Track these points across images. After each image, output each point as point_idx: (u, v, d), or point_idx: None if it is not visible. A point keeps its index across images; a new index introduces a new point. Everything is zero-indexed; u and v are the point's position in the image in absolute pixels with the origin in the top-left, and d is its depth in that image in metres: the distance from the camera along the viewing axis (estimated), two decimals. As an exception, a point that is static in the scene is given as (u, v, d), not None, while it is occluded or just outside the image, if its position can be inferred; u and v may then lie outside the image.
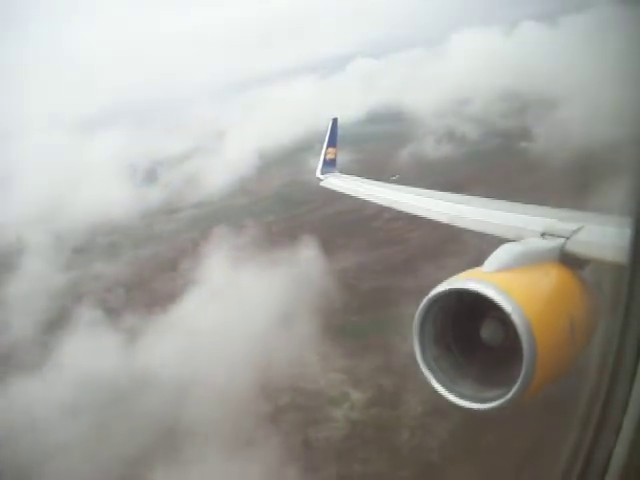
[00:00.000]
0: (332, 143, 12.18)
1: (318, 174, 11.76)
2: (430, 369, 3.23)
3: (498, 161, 45.51)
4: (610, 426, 2.31)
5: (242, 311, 26.55)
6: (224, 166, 58.45)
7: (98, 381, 23.58)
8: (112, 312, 31.18)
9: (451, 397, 3.15)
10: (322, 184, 11.32)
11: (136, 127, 79.64)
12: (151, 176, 62.66)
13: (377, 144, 60.02)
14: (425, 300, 3.19)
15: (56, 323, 30.54)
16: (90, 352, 25.91)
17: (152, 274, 36.96)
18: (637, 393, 2.25)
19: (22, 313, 31.92)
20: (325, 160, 11.91)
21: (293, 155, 58.37)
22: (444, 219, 6.19)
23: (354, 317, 27.46)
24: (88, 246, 45.54)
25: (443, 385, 3.20)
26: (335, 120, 12.59)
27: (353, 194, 9.68)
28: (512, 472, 20.47)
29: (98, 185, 58.00)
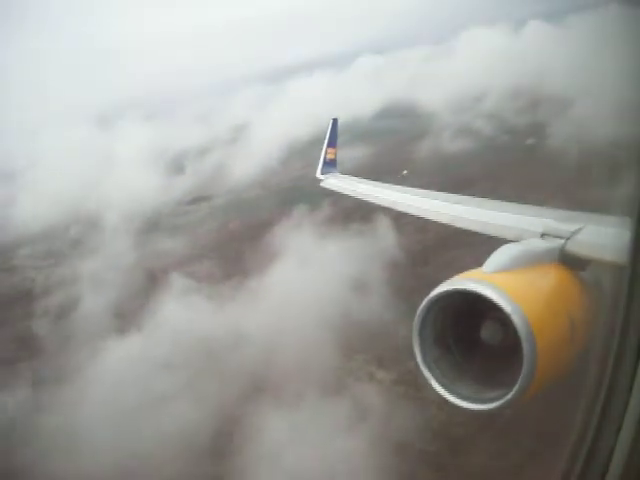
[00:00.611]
0: (332, 143, 12.14)
1: (318, 174, 11.74)
2: (430, 370, 3.22)
3: (510, 157, 45.31)
4: (610, 426, 2.31)
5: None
6: (246, 158, 58.60)
7: (193, 340, 26.41)
8: (201, 280, 34.32)
9: (451, 398, 3.15)
10: (322, 184, 11.33)
11: (160, 120, 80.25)
12: (178, 167, 63.48)
13: (392, 138, 60.28)
14: (425, 301, 3.20)
15: (151, 291, 33.08)
16: (185, 316, 28.55)
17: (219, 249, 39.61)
18: (637, 393, 2.25)
19: (118, 284, 34.99)
20: (325, 160, 11.88)
21: (313, 148, 58.53)
22: (444, 219, 6.20)
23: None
24: (147, 228, 47.62)
25: (443, 386, 3.20)
26: (335, 120, 12.55)
27: (353, 194, 9.70)
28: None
29: (128, 175, 58.79)
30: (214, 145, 68.49)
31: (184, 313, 28.82)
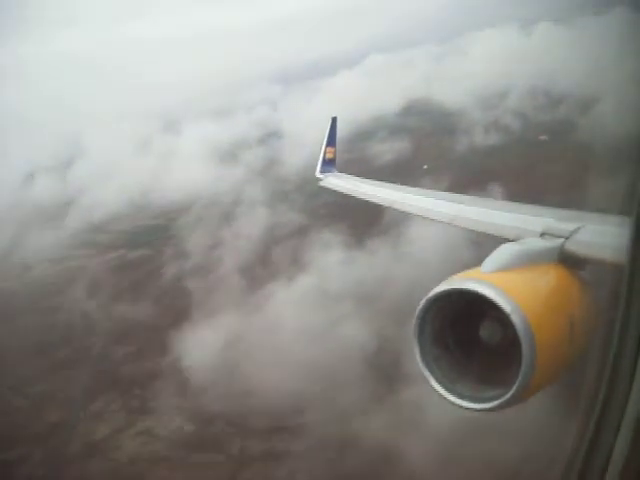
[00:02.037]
0: (331, 142, 12.16)
1: (317, 174, 11.73)
2: (429, 369, 3.25)
3: (529, 152, 48.65)
4: (609, 426, 2.33)
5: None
6: (293, 151, 60.91)
7: (349, 280, 33.20)
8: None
9: (450, 397, 3.18)
10: (321, 184, 11.34)
11: (215, 115, 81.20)
12: (234, 159, 66.28)
13: (421, 134, 63.34)
14: (424, 300, 3.22)
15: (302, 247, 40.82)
16: (338, 262, 35.97)
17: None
18: (636, 393, 2.27)
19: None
20: (324, 159, 11.88)
21: (355, 142, 61.71)
22: (444, 219, 6.25)
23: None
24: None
25: (442, 385, 3.22)
26: (334, 119, 12.56)
27: (352, 194, 9.76)
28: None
29: (189, 167, 62.46)
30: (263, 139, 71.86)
31: (338, 260, 36.17)
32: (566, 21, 78.37)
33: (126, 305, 39.97)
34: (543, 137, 52.44)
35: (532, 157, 46.65)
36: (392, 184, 8.94)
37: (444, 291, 3.17)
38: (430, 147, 58.53)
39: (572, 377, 3.23)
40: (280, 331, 31.69)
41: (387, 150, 59.45)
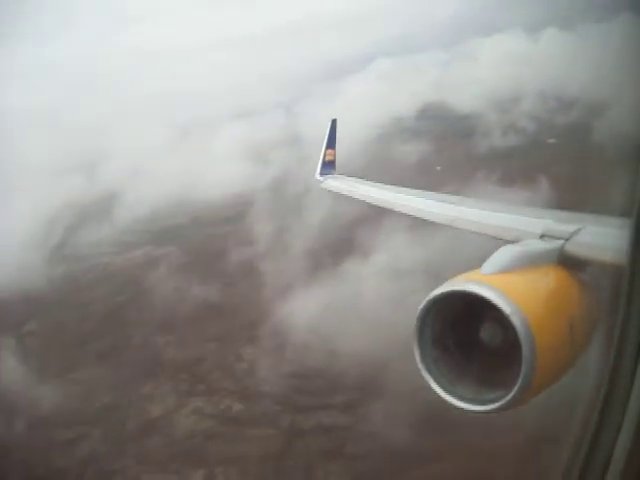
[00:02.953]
0: (331, 144, 12.13)
1: (317, 176, 11.74)
2: (429, 371, 3.28)
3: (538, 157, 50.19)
4: (610, 426, 2.34)
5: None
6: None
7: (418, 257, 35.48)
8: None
9: (450, 399, 3.20)
10: (321, 186, 11.34)
11: (239, 117, 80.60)
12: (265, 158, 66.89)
13: (441, 137, 64.92)
14: (424, 302, 3.25)
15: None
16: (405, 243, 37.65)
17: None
18: (637, 394, 2.28)
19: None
20: (324, 162, 11.84)
21: (373, 146, 64.10)
22: (443, 221, 6.26)
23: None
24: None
25: (442, 387, 3.25)
26: (334, 121, 12.55)
27: (352, 195, 9.80)
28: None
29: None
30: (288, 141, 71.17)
31: (405, 242, 37.64)
32: (571, 28, 78.33)
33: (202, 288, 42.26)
34: (551, 140, 55.07)
35: (543, 159, 48.28)
36: (391, 186, 8.87)
37: (444, 293, 3.19)
38: (449, 149, 60.17)
39: (572, 378, 3.24)
40: (359, 303, 33.49)
41: (410, 151, 60.72)
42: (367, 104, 73.37)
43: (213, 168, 62.95)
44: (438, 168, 55.43)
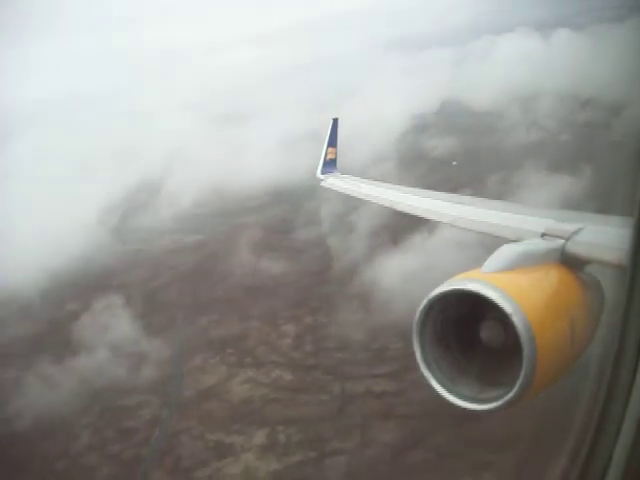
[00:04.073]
0: (332, 143, 12.12)
1: (318, 174, 11.72)
2: (430, 369, 3.27)
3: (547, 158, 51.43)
4: (610, 427, 2.33)
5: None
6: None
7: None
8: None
9: (451, 397, 3.20)
10: (322, 184, 11.34)
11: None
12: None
13: (466, 132, 67.22)
14: (425, 301, 3.22)
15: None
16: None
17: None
18: (637, 394, 2.27)
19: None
20: (325, 160, 11.84)
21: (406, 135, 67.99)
22: (444, 219, 6.21)
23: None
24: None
25: (443, 385, 3.24)
26: (335, 120, 12.51)
27: (353, 194, 9.83)
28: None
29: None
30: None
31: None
32: (582, 29, 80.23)
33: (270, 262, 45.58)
34: (564, 137, 58.13)
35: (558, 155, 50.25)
36: (391, 184, 8.96)
37: (445, 292, 3.17)
38: (473, 144, 62.26)
39: (573, 377, 3.24)
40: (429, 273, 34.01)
41: (436, 146, 63.28)
42: (387, 101, 75.55)
43: (256, 158, 63.79)
44: (454, 163, 58.59)
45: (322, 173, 11.78)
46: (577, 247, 3.69)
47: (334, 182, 11.19)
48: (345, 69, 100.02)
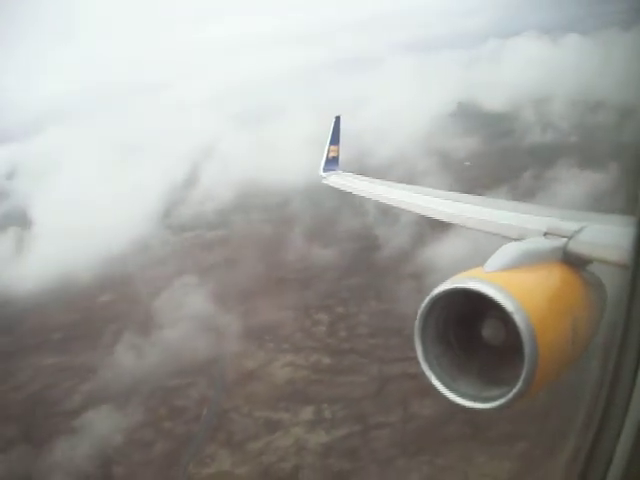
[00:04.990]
0: (334, 141, 12.16)
1: (320, 172, 11.74)
2: (431, 368, 3.31)
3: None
4: (611, 426, 2.33)
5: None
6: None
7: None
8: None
9: (452, 396, 3.23)
10: (324, 182, 11.35)
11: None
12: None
13: (484, 134, 71.19)
14: (427, 299, 3.24)
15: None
16: None
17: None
18: (639, 394, 2.27)
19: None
20: (327, 158, 11.86)
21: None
22: (447, 218, 6.17)
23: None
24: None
25: (444, 384, 3.27)
26: (338, 118, 12.47)
27: (355, 192, 9.85)
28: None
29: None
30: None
31: None
32: (591, 34, 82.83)
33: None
34: (573, 138, 61.36)
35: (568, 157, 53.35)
36: (392, 182, 8.93)
37: (447, 290, 3.18)
38: (489, 145, 66.38)
39: (574, 378, 3.31)
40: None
41: (459, 147, 66.02)
42: (406, 102, 79.46)
43: (285, 155, 66.10)
44: (467, 163, 61.53)
45: (324, 171, 11.82)
46: (579, 246, 3.67)
47: (336, 180, 11.22)
48: (365, 70, 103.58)
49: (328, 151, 12.06)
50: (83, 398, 35.43)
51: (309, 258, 47.71)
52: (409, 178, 52.73)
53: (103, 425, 32.76)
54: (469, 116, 77.20)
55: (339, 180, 11.18)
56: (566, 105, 69.40)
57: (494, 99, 76.93)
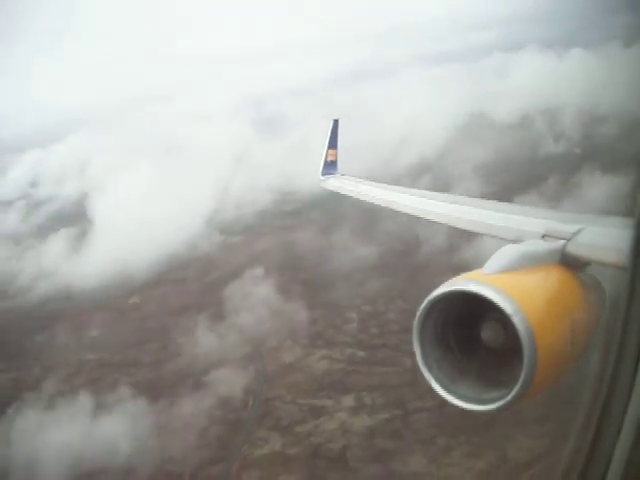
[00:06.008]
0: (333, 145, 12.21)
1: (319, 175, 11.86)
2: (431, 371, 3.35)
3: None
4: (611, 426, 2.37)
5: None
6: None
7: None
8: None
9: (451, 398, 3.27)
10: (323, 185, 11.44)
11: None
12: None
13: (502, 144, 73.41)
14: (426, 302, 3.27)
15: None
16: None
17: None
18: (638, 394, 2.31)
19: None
20: (326, 162, 11.94)
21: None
22: (444, 220, 6.16)
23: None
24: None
25: (443, 386, 3.31)
26: (336, 122, 12.50)
27: (353, 195, 9.89)
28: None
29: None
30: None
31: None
32: (594, 48, 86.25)
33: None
34: (577, 150, 64.73)
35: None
36: (390, 185, 9.00)
37: (445, 293, 3.21)
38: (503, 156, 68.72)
39: (573, 379, 3.32)
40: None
41: (470, 157, 68.27)
42: (422, 112, 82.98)
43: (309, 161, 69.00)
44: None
45: (323, 174, 11.91)
46: (578, 248, 3.66)
47: (334, 183, 11.31)
48: (380, 81, 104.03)
49: (326, 155, 12.14)
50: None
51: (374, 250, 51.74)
52: (442, 185, 55.10)
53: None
54: (481, 126, 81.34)
55: (337, 183, 11.33)
56: (571, 117, 73.73)
57: (505, 110, 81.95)
